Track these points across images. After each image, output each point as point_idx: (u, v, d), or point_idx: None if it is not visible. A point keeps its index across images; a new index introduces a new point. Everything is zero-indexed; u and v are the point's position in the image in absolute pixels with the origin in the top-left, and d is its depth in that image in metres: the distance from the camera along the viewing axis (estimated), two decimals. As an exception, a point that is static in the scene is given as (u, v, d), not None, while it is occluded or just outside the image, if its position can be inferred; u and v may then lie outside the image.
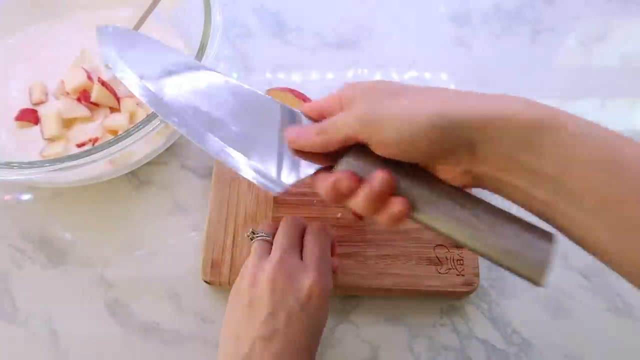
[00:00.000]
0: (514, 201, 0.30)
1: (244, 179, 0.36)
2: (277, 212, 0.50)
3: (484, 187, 0.31)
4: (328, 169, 0.34)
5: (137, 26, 0.54)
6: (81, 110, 0.53)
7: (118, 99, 0.53)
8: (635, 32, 0.66)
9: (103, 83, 0.53)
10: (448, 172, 0.31)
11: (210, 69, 0.41)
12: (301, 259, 0.40)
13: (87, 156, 0.43)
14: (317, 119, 0.36)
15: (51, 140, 0.52)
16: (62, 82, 0.54)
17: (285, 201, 0.50)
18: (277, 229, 0.42)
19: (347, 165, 0.32)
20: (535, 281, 0.29)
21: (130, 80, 0.39)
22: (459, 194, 0.31)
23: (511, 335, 0.48)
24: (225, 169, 0.52)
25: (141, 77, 0.39)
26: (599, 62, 0.63)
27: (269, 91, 0.53)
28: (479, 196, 0.32)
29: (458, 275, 0.47)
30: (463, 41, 0.64)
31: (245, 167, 0.35)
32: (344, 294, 0.49)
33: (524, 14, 0.66)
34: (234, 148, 0.35)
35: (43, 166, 0.42)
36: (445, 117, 0.28)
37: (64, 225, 0.52)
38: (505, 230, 0.30)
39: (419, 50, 0.63)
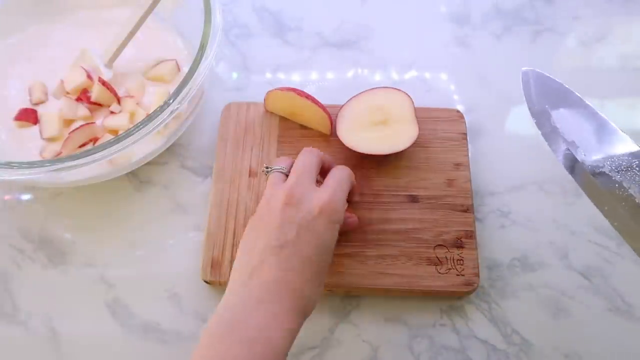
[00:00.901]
0: None
1: None
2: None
3: None
4: None
5: (137, 26, 0.54)
6: (81, 110, 0.53)
7: (118, 99, 0.53)
8: (635, 32, 0.66)
9: (103, 83, 0.53)
10: None
11: None
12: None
13: (87, 156, 0.43)
14: None
15: (51, 140, 0.52)
16: (62, 82, 0.54)
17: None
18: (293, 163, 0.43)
19: None
20: None
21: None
22: None
23: (511, 335, 0.48)
24: (225, 169, 0.52)
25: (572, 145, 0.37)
26: (599, 62, 0.63)
27: (270, 92, 0.53)
28: None
29: (458, 275, 0.47)
30: (463, 41, 0.64)
31: None
32: (344, 294, 0.49)
33: (524, 14, 0.66)
34: None
35: (43, 166, 0.42)
36: None
37: (64, 225, 0.52)
38: None
39: (419, 50, 0.63)
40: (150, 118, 0.44)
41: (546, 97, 0.42)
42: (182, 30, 0.59)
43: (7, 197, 0.54)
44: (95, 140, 0.51)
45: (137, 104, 0.54)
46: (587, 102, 0.42)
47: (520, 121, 0.59)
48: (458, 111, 0.56)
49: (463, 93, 0.60)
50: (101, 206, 0.53)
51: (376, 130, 0.51)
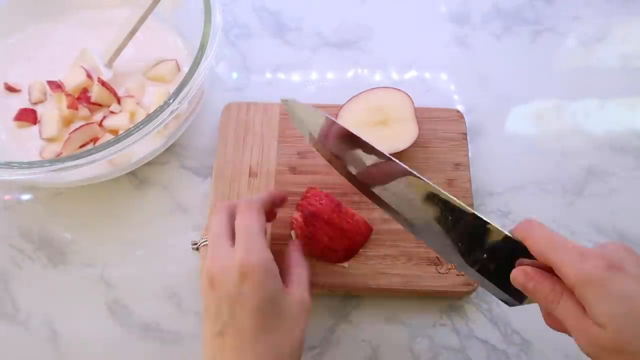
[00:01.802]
0: None
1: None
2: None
3: None
4: None
5: (137, 26, 0.54)
6: (81, 110, 0.53)
7: (118, 99, 0.53)
8: (635, 32, 0.66)
9: (103, 83, 0.53)
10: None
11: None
12: None
13: (87, 156, 0.43)
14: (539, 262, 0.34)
15: (50, 140, 0.52)
16: (62, 82, 0.54)
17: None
18: None
19: None
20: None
21: None
22: None
23: (511, 335, 0.48)
24: (225, 169, 0.52)
25: None
26: (599, 62, 0.63)
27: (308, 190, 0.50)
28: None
29: (458, 275, 0.47)
30: (463, 41, 0.64)
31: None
32: (344, 294, 0.49)
33: (524, 14, 0.66)
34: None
35: (43, 166, 0.42)
36: None
37: (64, 225, 0.52)
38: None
39: (419, 50, 0.63)
40: (150, 118, 0.44)
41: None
42: (182, 30, 0.59)
43: (7, 197, 0.54)
44: (95, 140, 0.51)
45: (137, 103, 0.54)
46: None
47: (520, 121, 0.59)
48: (458, 111, 0.56)
49: (463, 93, 0.60)
50: (101, 206, 0.53)
51: (376, 130, 0.51)
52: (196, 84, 0.46)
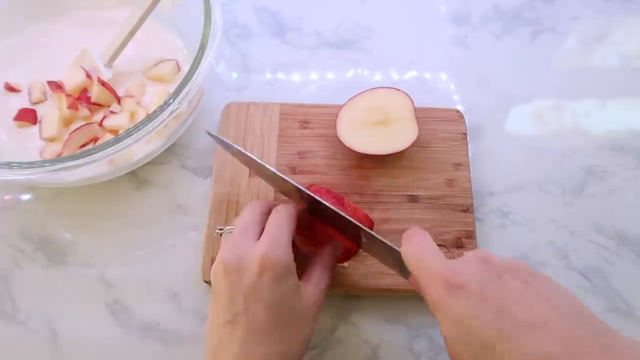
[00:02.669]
0: None
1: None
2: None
3: None
4: None
5: (137, 26, 0.54)
6: (81, 110, 0.53)
7: (118, 99, 0.53)
8: (635, 32, 0.66)
9: (103, 83, 0.53)
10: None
11: None
12: None
13: (87, 156, 0.43)
14: None
15: (50, 140, 0.52)
16: (62, 82, 0.54)
17: (286, 200, 0.50)
18: None
19: None
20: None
21: None
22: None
23: (511, 335, 0.48)
24: (225, 168, 0.52)
25: None
26: (598, 62, 0.63)
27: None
28: None
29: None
30: (463, 41, 0.64)
31: None
32: (344, 294, 0.49)
33: (524, 14, 0.66)
34: None
35: (43, 166, 0.42)
36: None
37: (64, 225, 0.52)
38: None
39: (419, 50, 0.63)
40: (150, 118, 0.44)
41: None
42: (182, 30, 0.59)
43: (7, 197, 0.54)
44: (95, 140, 0.51)
45: (137, 103, 0.54)
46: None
47: (520, 121, 0.59)
48: (458, 111, 0.56)
49: (463, 93, 0.60)
50: (101, 206, 0.53)
51: (376, 130, 0.51)
52: (196, 84, 0.46)
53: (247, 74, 0.62)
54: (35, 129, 0.52)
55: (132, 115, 0.53)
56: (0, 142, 0.52)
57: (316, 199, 0.40)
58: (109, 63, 0.55)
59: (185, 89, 0.46)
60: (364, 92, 0.53)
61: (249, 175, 0.52)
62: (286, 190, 0.45)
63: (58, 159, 0.43)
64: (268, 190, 0.51)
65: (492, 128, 0.58)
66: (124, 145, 0.43)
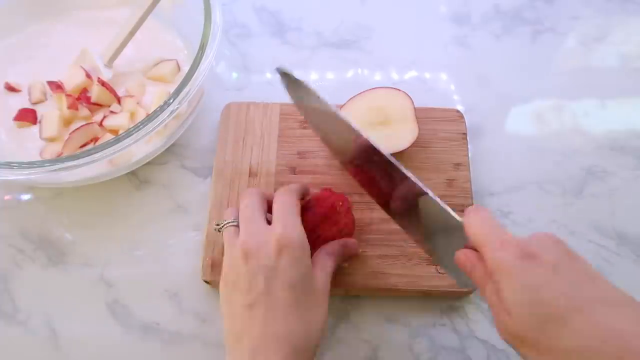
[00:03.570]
0: None
1: None
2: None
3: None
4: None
5: (137, 26, 0.54)
6: (81, 110, 0.53)
7: (118, 99, 0.53)
8: (635, 32, 0.66)
9: (103, 83, 0.53)
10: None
11: None
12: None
13: (87, 156, 0.43)
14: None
15: (50, 140, 0.52)
16: (62, 82, 0.54)
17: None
18: None
19: None
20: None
21: None
22: None
23: (511, 335, 0.48)
24: (225, 169, 0.52)
25: None
26: (598, 62, 0.63)
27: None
28: None
29: (458, 275, 0.47)
30: (463, 41, 0.64)
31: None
32: (344, 294, 0.49)
33: (524, 14, 0.66)
34: None
35: (43, 166, 0.42)
36: None
37: (64, 225, 0.52)
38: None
39: (419, 50, 0.63)
40: (150, 118, 0.44)
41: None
42: (182, 30, 0.59)
43: (7, 197, 0.54)
44: (96, 140, 0.51)
45: (137, 103, 0.54)
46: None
47: (520, 121, 0.59)
48: (458, 111, 0.56)
49: (463, 93, 0.60)
50: (101, 206, 0.53)
51: (376, 130, 0.51)
52: (196, 84, 0.46)
53: (247, 74, 0.62)
54: (35, 129, 0.52)
55: (132, 115, 0.53)
56: (0, 142, 0.52)
57: (374, 148, 0.40)
58: (109, 63, 0.55)
59: (185, 89, 0.46)
60: (364, 92, 0.53)
61: (249, 175, 0.52)
62: (346, 147, 0.45)
63: (58, 159, 0.43)
64: (268, 190, 0.51)
65: (492, 128, 0.58)
66: (124, 145, 0.43)
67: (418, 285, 0.47)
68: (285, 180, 0.52)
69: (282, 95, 0.60)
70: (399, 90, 0.53)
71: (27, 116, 0.53)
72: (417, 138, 0.51)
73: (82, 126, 0.51)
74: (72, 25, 0.59)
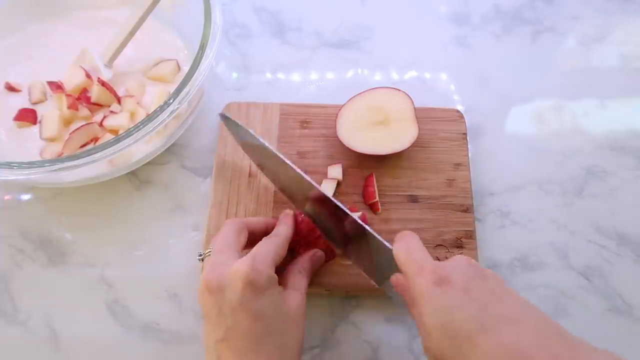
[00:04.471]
0: None
1: None
2: (277, 212, 0.50)
3: None
4: None
5: (137, 26, 0.54)
6: (81, 110, 0.53)
7: (118, 99, 0.53)
8: (635, 32, 0.66)
9: (103, 83, 0.53)
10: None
11: None
12: None
13: (87, 156, 0.43)
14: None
15: (50, 140, 0.52)
16: (62, 82, 0.54)
17: (286, 201, 0.50)
18: None
19: None
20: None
21: None
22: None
23: (511, 335, 0.48)
24: (225, 168, 0.52)
25: None
26: (598, 62, 0.63)
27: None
28: None
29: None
30: (463, 41, 0.64)
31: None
32: (344, 294, 0.49)
33: (524, 14, 0.66)
34: None
35: (43, 166, 0.42)
36: None
37: (64, 225, 0.52)
38: None
39: (419, 50, 0.63)
40: (150, 118, 0.44)
41: None
42: (182, 30, 0.59)
43: (7, 197, 0.54)
44: (96, 140, 0.51)
45: (137, 103, 0.54)
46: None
47: (520, 121, 0.59)
48: (458, 111, 0.56)
49: (463, 93, 0.60)
50: (101, 206, 0.53)
51: (376, 130, 0.51)
52: (196, 84, 0.46)
53: (247, 74, 0.62)
54: (35, 129, 0.52)
55: (132, 115, 0.53)
56: (0, 142, 0.52)
57: (329, 201, 0.41)
58: (109, 63, 0.55)
59: (185, 89, 0.46)
60: (364, 92, 0.53)
61: (249, 175, 0.52)
62: (292, 191, 0.46)
63: (58, 159, 0.43)
64: (268, 191, 0.51)
65: (492, 128, 0.58)
66: (124, 145, 0.43)
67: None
68: (285, 180, 0.52)
69: (282, 95, 0.60)
70: (399, 90, 0.53)
71: (27, 116, 0.53)
72: (417, 138, 0.51)
73: (82, 126, 0.51)
74: (72, 25, 0.59)
